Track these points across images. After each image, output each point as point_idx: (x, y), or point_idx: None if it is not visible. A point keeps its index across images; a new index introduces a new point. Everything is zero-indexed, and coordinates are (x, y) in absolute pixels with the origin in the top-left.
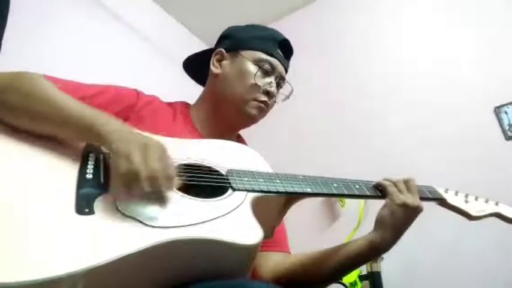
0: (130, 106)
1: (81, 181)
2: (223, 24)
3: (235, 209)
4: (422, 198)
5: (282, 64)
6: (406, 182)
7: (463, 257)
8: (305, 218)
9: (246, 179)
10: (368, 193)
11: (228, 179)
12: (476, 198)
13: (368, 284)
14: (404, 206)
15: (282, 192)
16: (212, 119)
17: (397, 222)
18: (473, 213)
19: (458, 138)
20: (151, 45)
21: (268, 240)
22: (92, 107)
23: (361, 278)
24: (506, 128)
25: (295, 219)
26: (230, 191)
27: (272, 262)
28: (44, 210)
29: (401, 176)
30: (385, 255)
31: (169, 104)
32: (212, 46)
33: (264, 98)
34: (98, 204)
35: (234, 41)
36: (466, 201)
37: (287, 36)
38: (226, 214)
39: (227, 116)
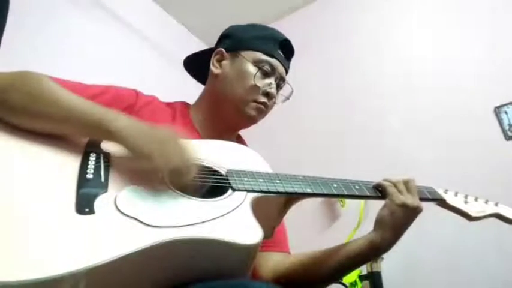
0: (130, 106)
1: (82, 180)
2: (223, 24)
3: (235, 209)
4: (422, 199)
5: (283, 65)
6: (406, 183)
7: (462, 257)
8: (305, 218)
9: (245, 179)
10: (368, 193)
11: (227, 179)
12: (476, 199)
13: (368, 284)
14: (404, 206)
15: (281, 193)
16: (212, 120)
17: (396, 222)
18: (473, 213)
19: (458, 138)
20: (151, 46)
21: (268, 240)
22: (99, 104)
23: (361, 278)
24: (506, 128)
25: (295, 219)
26: (230, 191)
27: (272, 262)
28: (44, 209)
29: (401, 177)
30: (385, 255)
31: (169, 104)
32: (212, 46)
33: (263, 99)
34: (98, 204)
35: (234, 41)
36: (466, 202)
37: (287, 36)
38: (226, 214)
39: (226, 116)
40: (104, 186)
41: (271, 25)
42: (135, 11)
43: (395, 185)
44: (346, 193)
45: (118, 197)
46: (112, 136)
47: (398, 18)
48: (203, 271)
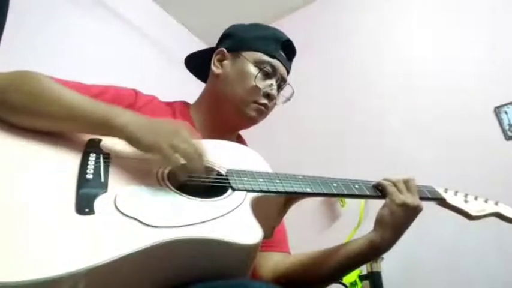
0: (130, 106)
1: (81, 181)
2: (223, 24)
3: (235, 209)
4: (422, 198)
5: (284, 66)
6: (406, 182)
7: (462, 257)
8: (305, 218)
9: (245, 179)
10: (368, 193)
11: (227, 179)
12: (475, 198)
13: (368, 284)
14: (404, 205)
15: (281, 192)
16: (212, 119)
17: (397, 222)
18: (473, 213)
19: (458, 138)
20: (151, 45)
21: (268, 240)
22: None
23: (361, 278)
24: (506, 128)
25: (295, 219)
26: (230, 191)
27: (272, 262)
28: (44, 209)
29: (401, 176)
30: (385, 255)
31: (168, 104)
32: (212, 46)
33: (264, 100)
34: (98, 204)
35: (235, 40)
36: (466, 201)
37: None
38: (226, 214)
39: (227, 116)
40: (104, 187)
41: (271, 25)
42: (135, 11)
43: (395, 184)
44: (346, 192)
45: (118, 197)
46: (117, 131)
47: (398, 18)
48: (203, 271)
